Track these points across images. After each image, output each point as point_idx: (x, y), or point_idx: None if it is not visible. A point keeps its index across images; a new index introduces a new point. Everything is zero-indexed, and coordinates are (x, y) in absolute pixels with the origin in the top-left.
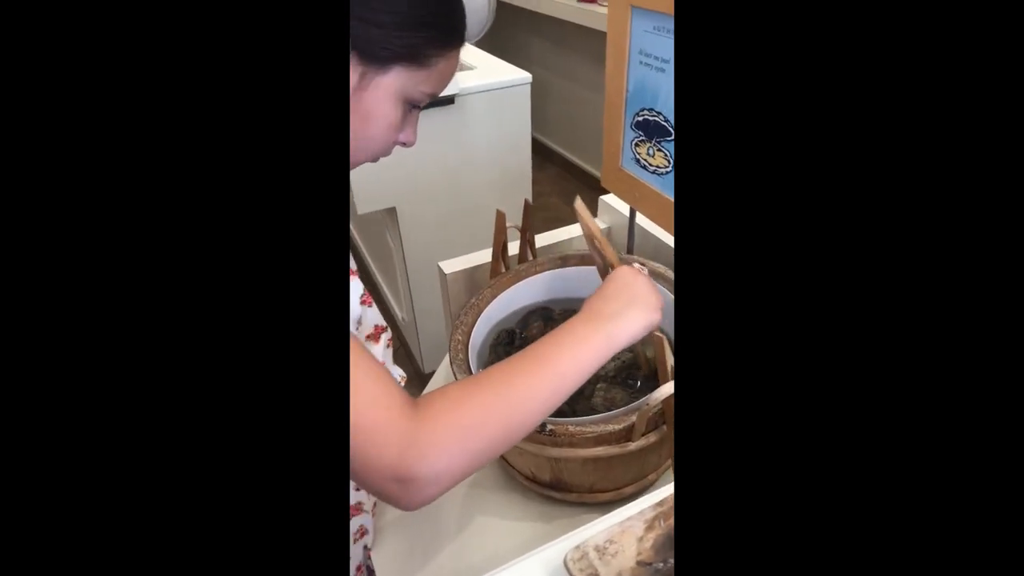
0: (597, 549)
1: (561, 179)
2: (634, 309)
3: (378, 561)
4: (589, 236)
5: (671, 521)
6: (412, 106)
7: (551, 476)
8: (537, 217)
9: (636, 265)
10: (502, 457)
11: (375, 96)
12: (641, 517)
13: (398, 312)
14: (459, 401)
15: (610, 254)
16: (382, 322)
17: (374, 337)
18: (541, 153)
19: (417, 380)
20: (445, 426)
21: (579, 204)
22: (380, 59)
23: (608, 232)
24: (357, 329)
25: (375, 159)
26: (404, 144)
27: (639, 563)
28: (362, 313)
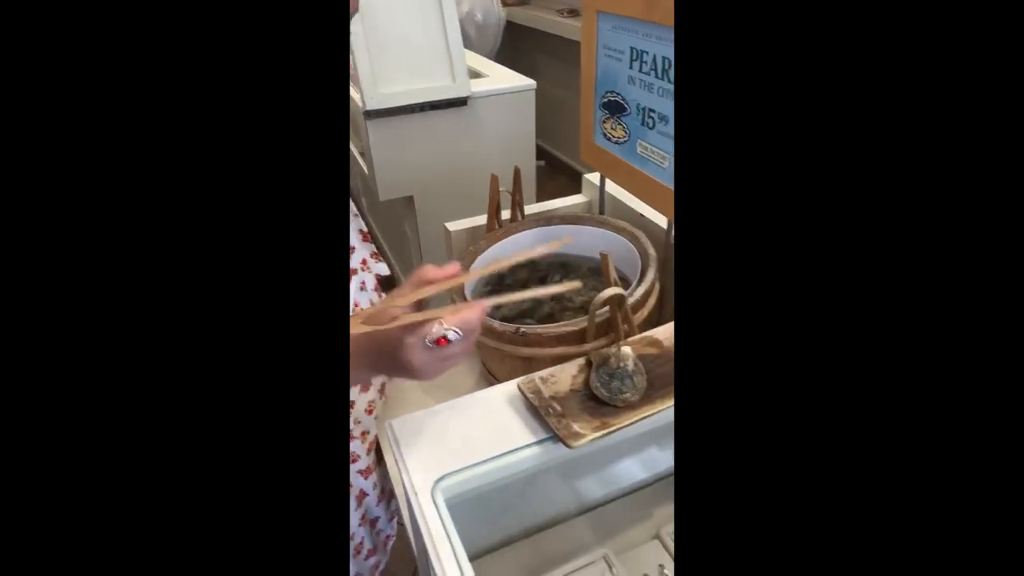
0: (542, 379)
1: (570, 189)
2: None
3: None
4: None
5: (594, 370)
6: None
7: None
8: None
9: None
10: (485, 367)
11: None
12: (575, 364)
13: None
14: None
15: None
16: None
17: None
18: (553, 165)
19: None
20: None
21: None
22: None
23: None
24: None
25: None
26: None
27: (571, 390)
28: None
